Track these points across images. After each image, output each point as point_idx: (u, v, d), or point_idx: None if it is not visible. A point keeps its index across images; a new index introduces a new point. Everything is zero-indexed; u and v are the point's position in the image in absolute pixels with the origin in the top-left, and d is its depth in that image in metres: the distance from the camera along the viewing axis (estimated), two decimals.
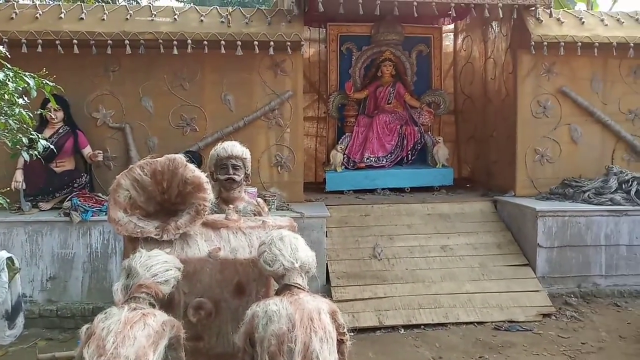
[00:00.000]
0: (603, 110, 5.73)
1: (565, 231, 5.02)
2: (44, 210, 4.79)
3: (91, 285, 4.59)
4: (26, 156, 2.92)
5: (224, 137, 5.23)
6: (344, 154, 6.50)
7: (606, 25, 5.52)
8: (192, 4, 13.03)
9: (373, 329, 4.31)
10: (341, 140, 6.71)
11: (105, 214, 4.20)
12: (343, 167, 6.48)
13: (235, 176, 2.92)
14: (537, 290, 4.77)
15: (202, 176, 2.60)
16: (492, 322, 4.42)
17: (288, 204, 5.29)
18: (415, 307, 4.51)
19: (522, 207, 5.28)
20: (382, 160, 6.61)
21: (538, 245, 4.99)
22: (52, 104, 3.49)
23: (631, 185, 5.23)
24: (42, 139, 2.93)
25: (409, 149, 6.68)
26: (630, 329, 4.26)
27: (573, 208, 5.10)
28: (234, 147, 2.96)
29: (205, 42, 5.01)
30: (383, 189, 6.37)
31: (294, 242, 2.26)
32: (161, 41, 4.96)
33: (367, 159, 6.57)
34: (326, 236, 5.01)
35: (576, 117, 5.73)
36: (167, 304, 2.22)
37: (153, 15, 5.15)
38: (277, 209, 5.09)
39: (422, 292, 4.66)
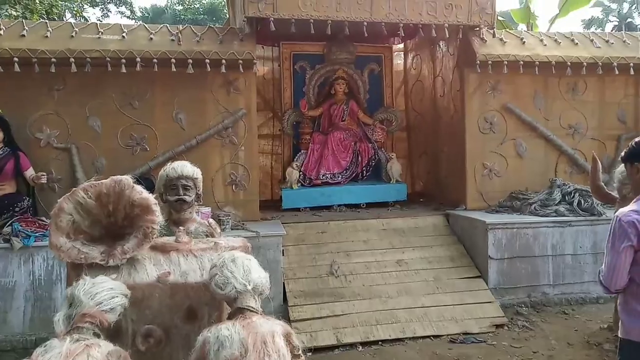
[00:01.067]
0: (545, 126, 6.01)
1: (514, 243, 5.19)
2: None
3: (34, 316, 4.33)
4: None
5: (175, 156, 5.13)
6: (299, 171, 6.50)
7: (545, 45, 5.82)
8: (141, 22, 12.83)
9: (331, 348, 4.27)
10: (297, 157, 6.72)
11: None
12: (299, 184, 6.48)
13: (186, 197, 2.86)
14: (490, 302, 4.88)
15: (149, 198, 2.51)
16: (447, 335, 4.47)
17: (243, 223, 5.21)
18: (373, 323, 4.52)
19: (473, 220, 5.42)
20: (338, 177, 6.66)
21: (489, 257, 5.13)
22: None
23: (573, 196, 5.48)
24: None
25: (364, 165, 6.78)
26: (578, 336, 4.42)
27: (521, 220, 5.29)
28: (184, 167, 2.90)
29: (155, 60, 4.92)
30: (339, 205, 6.41)
31: (247, 264, 2.22)
32: (109, 59, 4.83)
33: (323, 175, 6.61)
34: (283, 255, 4.96)
35: (521, 133, 5.98)
36: (113, 333, 2.12)
37: (100, 33, 5.02)
38: (232, 229, 5.01)
39: (379, 307, 4.67)
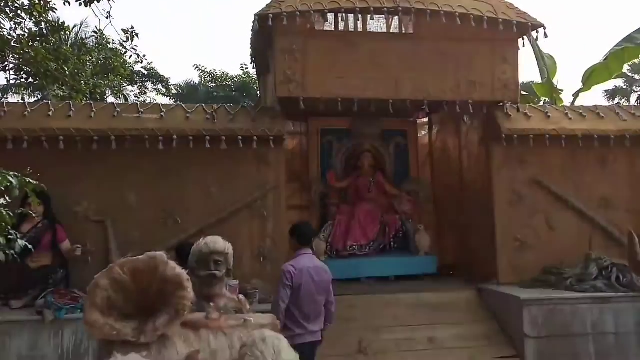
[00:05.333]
0: (576, 198, 5.91)
1: (552, 320, 4.97)
2: (14, 309, 4.59)
3: None
4: (2, 256, 2.85)
5: (206, 229, 5.21)
6: (327, 243, 6.50)
7: (570, 118, 5.88)
8: (178, 101, 13.55)
9: None
10: (324, 228, 6.74)
11: (81, 310, 4.04)
12: (326, 255, 6.45)
13: (217, 272, 2.89)
14: None
15: (183, 274, 2.55)
16: None
17: (271, 297, 5.16)
18: None
19: (507, 296, 5.25)
20: (365, 249, 6.62)
21: (525, 335, 4.90)
22: (33, 201, 3.48)
23: (611, 271, 5.28)
24: (20, 238, 2.88)
25: (391, 236, 6.74)
26: None
27: (557, 296, 5.09)
28: (216, 243, 2.96)
29: (191, 138, 5.16)
30: (367, 277, 6.32)
31: (277, 344, 2.19)
32: (147, 137, 5.09)
33: (350, 247, 6.58)
34: None
35: (551, 205, 5.89)
36: None
37: (140, 112, 5.33)
38: (259, 302, 4.97)
39: None
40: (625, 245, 4.93)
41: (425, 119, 7.90)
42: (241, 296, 3.08)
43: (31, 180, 2.95)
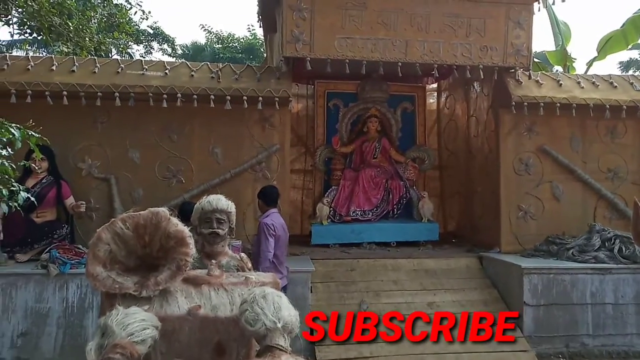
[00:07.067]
0: (583, 169, 5.86)
1: (551, 289, 4.99)
2: (20, 262, 4.66)
3: (65, 342, 4.40)
4: (5, 207, 2.86)
5: (210, 189, 5.22)
6: (330, 207, 6.50)
7: (582, 87, 5.74)
8: (183, 60, 13.33)
9: None
10: (327, 193, 6.73)
11: (85, 266, 4.09)
12: (329, 220, 6.46)
13: (219, 230, 2.89)
14: (525, 351, 4.67)
15: (185, 230, 2.55)
16: None
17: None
18: None
19: (508, 264, 5.26)
20: (368, 214, 6.62)
21: (524, 303, 4.94)
22: (36, 155, 3.46)
23: (614, 243, 5.27)
24: (23, 190, 2.88)
25: (395, 203, 6.72)
26: None
27: (558, 265, 5.10)
28: (219, 201, 2.94)
29: (195, 96, 5.09)
30: (369, 242, 6.34)
31: (277, 301, 2.20)
32: (151, 94, 5.03)
33: (353, 212, 6.58)
34: (311, 291, 4.91)
35: (557, 175, 5.84)
36: None
37: (144, 69, 5.25)
38: None
39: (409, 352, 4.53)
40: (630, 217, 4.89)
41: (434, 85, 7.77)
42: (243, 254, 3.09)
43: (34, 133, 2.93)
